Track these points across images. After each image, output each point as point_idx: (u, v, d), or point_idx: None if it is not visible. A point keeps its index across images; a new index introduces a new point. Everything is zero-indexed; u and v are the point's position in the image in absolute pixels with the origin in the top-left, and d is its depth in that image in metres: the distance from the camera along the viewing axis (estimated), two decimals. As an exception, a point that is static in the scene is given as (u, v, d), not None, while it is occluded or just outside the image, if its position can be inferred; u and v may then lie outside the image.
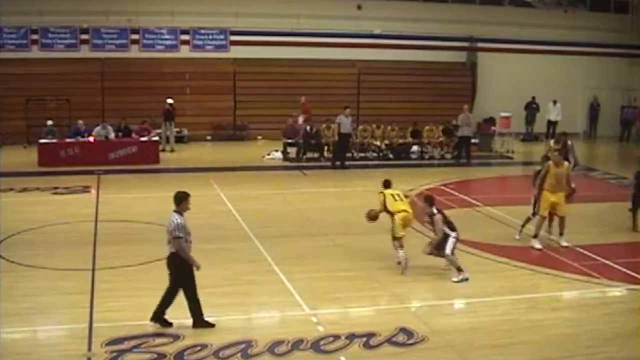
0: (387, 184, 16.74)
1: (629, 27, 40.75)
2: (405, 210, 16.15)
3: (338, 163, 28.67)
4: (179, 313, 13.04)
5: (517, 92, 37.31)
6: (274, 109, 33.97)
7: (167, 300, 12.57)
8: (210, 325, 12.50)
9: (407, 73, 36.71)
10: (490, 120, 35.73)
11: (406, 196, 16.98)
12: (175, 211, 12.57)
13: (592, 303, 15.04)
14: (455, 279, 15.68)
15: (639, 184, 20.09)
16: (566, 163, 19.22)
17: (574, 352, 12.28)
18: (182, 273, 12.45)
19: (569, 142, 22.01)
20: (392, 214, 16.13)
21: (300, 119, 31.91)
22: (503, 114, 35.00)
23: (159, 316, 12.57)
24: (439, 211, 16.01)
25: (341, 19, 35.98)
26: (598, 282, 16.05)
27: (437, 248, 15.93)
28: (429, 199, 16.24)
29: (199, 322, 12.53)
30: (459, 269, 15.74)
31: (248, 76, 34.95)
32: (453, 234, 15.80)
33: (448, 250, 15.75)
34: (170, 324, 12.52)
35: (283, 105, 33.67)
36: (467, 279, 15.60)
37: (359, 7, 36.27)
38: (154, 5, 33.95)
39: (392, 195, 16.35)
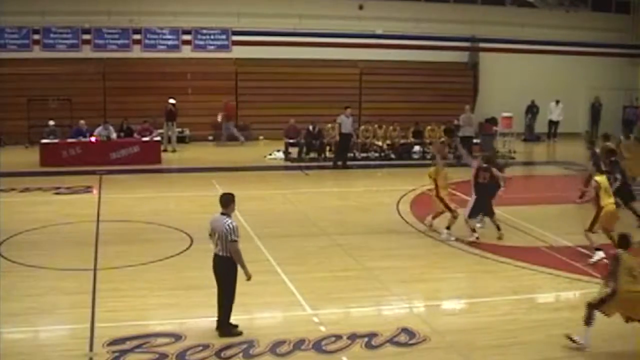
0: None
1: (631, 27, 40.76)
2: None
3: (340, 163, 28.66)
4: (179, 313, 13.08)
5: (519, 92, 37.33)
6: (275, 109, 34.00)
7: (227, 306, 12.34)
8: (238, 333, 12.31)
9: (408, 73, 36.73)
10: (492, 121, 35.70)
11: None
12: (222, 214, 12.30)
13: (594, 303, 15.02)
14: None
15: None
16: None
17: (575, 351, 12.28)
18: (229, 276, 12.29)
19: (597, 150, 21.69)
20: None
21: (219, 117, 33.05)
22: (504, 114, 34.99)
23: (226, 325, 12.38)
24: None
25: (343, 19, 36.02)
26: (599, 282, 15.99)
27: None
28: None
29: (226, 328, 12.36)
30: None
31: (250, 76, 34.98)
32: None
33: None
34: (240, 331, 12.37)
35: (285, 105, 33.73)
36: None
37: (361, 7, 36.28)
38: (155, 6, 33.98)
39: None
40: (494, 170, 18.62)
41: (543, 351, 12.24)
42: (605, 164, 20.35)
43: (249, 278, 12.26)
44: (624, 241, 12.21)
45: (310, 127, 30.61)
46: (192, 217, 19.45)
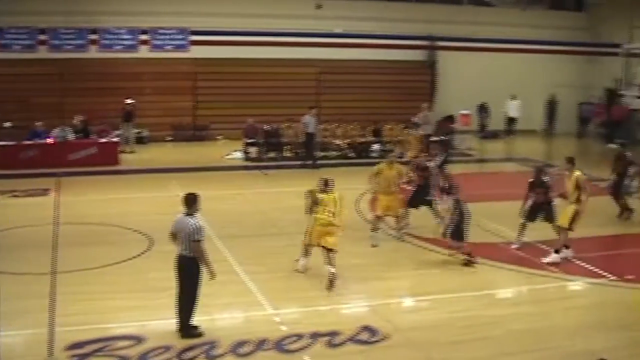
0: (326, 185, 15.92)
1: (586, 25, 41.16)
2: (327, 224, 15.43)
3: (310, 162, 28.61)
4: (140, 315, 13.04)
5: (477, 90, 37.56)
6: (234, 109, 33.91)
7: (189, 307, 12.32)
8: (199, 334, 12.30)
9: (367, 72, 36.82)
10: (450, 118, 35.88)
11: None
12: (187, 214, 12.32)
13: (552, 298, 15.21)
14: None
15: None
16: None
17: (534, 346, 12.43)
18: (193, 277, 12.26)
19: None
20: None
21: None
22: (462, 112, 35.23)
23: (187, 327, 12.35)
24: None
25: (302, 18, 36.02)
26: (558, 277, 16.24)
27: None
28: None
29: (187, 329, 12.34)
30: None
31: (208, 76, 34.85)
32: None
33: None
34: (201, 332, 12.37)
35: (244, 105, 33.66)
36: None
37: (319, 7, 36.28)
38: (112, 5, 33.72)
39: (325, 202, 15.56)
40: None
41: (502, 346, 12.38)
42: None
43: (213, 277, 12.26)
44: None
45: (268, 127, 30.59)
46: (152, 219, 19.35)
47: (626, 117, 37.46)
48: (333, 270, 15.02)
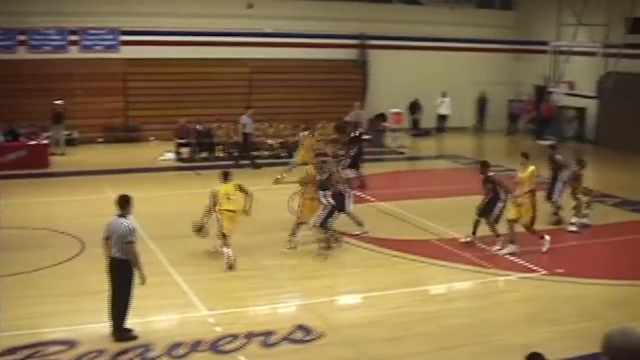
0: (226, 176, 17.05)
1: (514, 23, 41.73)
2: (229, 210, 16.54)
3: (247, 162, 28.50)
4: (73, 319, 12.91)
5: (407, 88, 37.81)
6: (166, 110, 33.65)
7: (123, 310, 12.24)
8: (133, 337, 12.24)
9: (299, 71, 36.87)
10: (381, 117, 36.13)
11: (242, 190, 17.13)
12: (120, 215, 12.27)
13: (485, 292, 15.46)
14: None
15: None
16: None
17: (469, 341, 12.62)
18: (126, 279, 12.20)
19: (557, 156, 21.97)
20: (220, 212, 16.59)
21: None
22: (394, 110, 35.48)
23: (121, 330, 12.27)
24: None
25: (233, 17, 35.89)
26: (490, 272, 16.49)
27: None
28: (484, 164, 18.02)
29: (121, 332, 12.27)
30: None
31: (139, 76, 34.53)
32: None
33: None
34: (135, 335, 12.29)
35: (175, 105, 33.42)
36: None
37: (250, 6, 36.22)
38: (41, 6, 33.19)
39: (226, 193, 16.66)
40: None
41: (438, 341, 12.53)
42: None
43: (143, 282, 12.20)
44: None
45: (200, 127, 30.46)
46: (84, 221, 19.13)
47: (555, 114, 38.11)
48: (227, 250, 16.24)
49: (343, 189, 18.21)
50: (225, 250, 16.22)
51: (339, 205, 17.82)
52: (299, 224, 18.23)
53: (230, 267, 16.01)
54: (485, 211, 18.21)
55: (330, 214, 17.29)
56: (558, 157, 21.52)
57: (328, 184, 17.57)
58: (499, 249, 17.73)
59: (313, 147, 25.37)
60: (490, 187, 18.21)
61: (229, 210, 16.47)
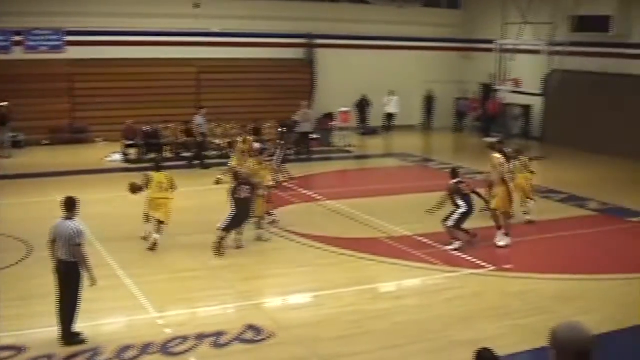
0: (158, 167, 18.58)
1: (461, 22, 42.06)
2: (161, 198, 17.80)
3: (197, 162, 28.38)
4: (20, 324, 12.75)
5: (355, 87, 37.92)
6: (113, 110, 33.35)
7: (71, 313, 12.12)
8: (82, 341, 12.12)
9: (246, 71, 36.76)
10: (330, 116, 36.22)
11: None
12: (66, 217, 12.16)
13: (434, 289, 15.56)
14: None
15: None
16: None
17: (418, 337, 12.70)
18: (74, 282, 12.10)
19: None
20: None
21: None
22: (342, 109, 35.56)
23: (70, 334, 12.14)
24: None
25: (179, 17, 35.69)
26: (439, 269, 16.61)
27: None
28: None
29: (69, 336, 12.15)
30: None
31: (85, 77, 34.18)
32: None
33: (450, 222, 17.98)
34: (83, 339, 12.18)
35: (122, 106, 33.14)
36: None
37: (197, 6, 36.04)
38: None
39: (159, 182, 17.91)
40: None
41: (388, 339, 12.58)
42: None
43: (93, 283, 12.11)
44: None
45: (147, 128, 30.27)
46: (31, 224, 18.86)
47: (501, 111, 38.49)
48: (157, 236, 17.37)
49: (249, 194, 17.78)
50: (155, 236, 17.36)
51: (245, 211, 17.62)
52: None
53: (152, 248, 17.26)
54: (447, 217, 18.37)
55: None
56: (507, 149, 21.75)
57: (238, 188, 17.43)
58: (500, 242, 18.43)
59: (247, 151, 25.45)
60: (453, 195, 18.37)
61: (161, 198, 17.70)
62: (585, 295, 15.14)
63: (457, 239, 18.04)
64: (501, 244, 18.27)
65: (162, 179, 17.96)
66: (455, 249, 17.86)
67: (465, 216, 18.02)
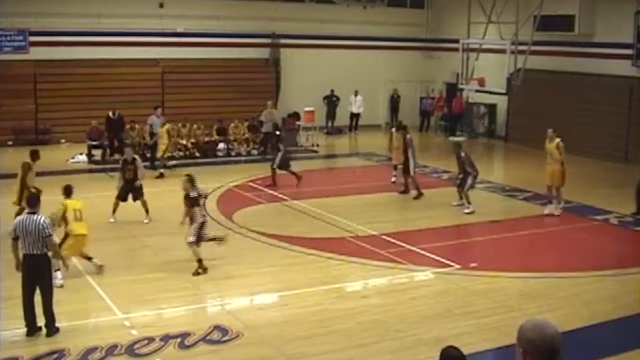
0: (68, 192, 15.86)
1: (425, 21, 42.22)
2: (83, 235, 15.46)
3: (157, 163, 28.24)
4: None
5: (320, 86, 37.97)
6: (77, 111, 33.14)
7: (50, 305, 12.33)
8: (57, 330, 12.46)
9: (211, 71, 36.64)
10: (295, 115, 36.22)
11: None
12: (31, 212, 12.33)
13: (400, 288, 15.60)
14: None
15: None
16: None
17: (384, 336, 12.73)
18: (47, 274, 12.37)
19: (462, 154, 22.33)
20: (67, 233, 15.29)
21: None
22: (307, 109, 35.56)
23: (52, 326, 12.40)
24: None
25: (144, 17, 35.50)
26: (404, 268, 16.66)
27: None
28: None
29: (53, 328, 12.39)
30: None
31: (49, 78, 33.92)
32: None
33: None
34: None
35: (87, 107, 32.90)
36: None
37: (161, 5, 35.91)
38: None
39: (75, 210, 15.44)
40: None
41: (354, 338, 12.61)
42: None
43: (66, 269, 13.12)
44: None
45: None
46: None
47: (466, 110, 38.70)
48: (100, 264, 15.70)
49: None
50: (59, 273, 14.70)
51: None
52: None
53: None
54: (461, 184, 21.74)
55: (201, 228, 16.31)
56: (462, 154, 22.01)
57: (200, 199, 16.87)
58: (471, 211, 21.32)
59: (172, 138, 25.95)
60: (460, 165, 21.76)
61: (80, 235, 15.41)
62: (551, 293, 15.25)
63: (470, 203, 21.32)
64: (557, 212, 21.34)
65: (76, 205, 15.66)
66: (469, 212, 21.19)
67: (475, 180, 21.70)
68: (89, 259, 15.71)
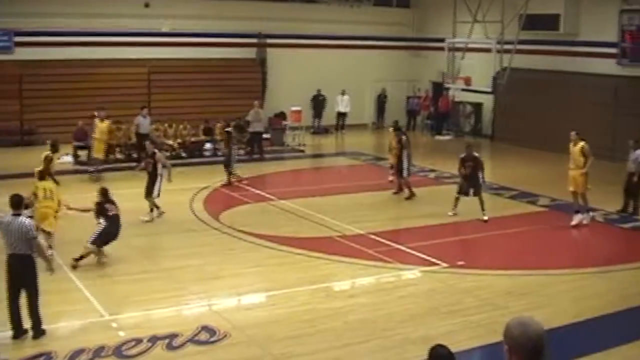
0: (41, 176, 17.81)
1: (411, 21, 42.27)
2: (46, 206, 16.85)
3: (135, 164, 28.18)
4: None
5: (307, 86, 37.97)
6: (63, 112, 33.00)
7: (36, 307, 12.33)
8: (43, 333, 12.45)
9: (197, 71, 36.56)
10: (281, 115, 36.22)
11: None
12: (15, 214, 12.34)
13: (387, 287, 15.64)
14: None
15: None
16: None
17: (372, 335, 12.76)
18: (32, 274, 12.34)
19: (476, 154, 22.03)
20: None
21: None
22: (293, 108, 35.55)
23: (39, 329, 12.40)
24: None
25: (130, 17, 35.39)
26: (392, 267, 16.70)
27: None
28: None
29: (40, 330, 12.38)
30: None
31: (35, 78, 33.78)
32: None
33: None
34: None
35: (73, 107, 32.78)
36: None
37: (147, 5, 35.83)
38: None
39: (45, 190, 17.10)
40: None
41: (342, 337, 12.63)
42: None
43: (52, 271, 12.78)
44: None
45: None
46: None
47: (452, 109, 38.78)
48: (51, 252, 15.72)
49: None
50: (50, 252, 15.45)
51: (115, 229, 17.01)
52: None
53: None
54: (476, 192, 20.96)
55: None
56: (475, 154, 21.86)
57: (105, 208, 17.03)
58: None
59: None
60: (471, 165, 20.78)
61: (45, 206, 16.81)
62: (537, 290, 15.32)
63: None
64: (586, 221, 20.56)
65: (47, 185, 17.37)
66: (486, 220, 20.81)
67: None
68: (49, 247, 16.12)
